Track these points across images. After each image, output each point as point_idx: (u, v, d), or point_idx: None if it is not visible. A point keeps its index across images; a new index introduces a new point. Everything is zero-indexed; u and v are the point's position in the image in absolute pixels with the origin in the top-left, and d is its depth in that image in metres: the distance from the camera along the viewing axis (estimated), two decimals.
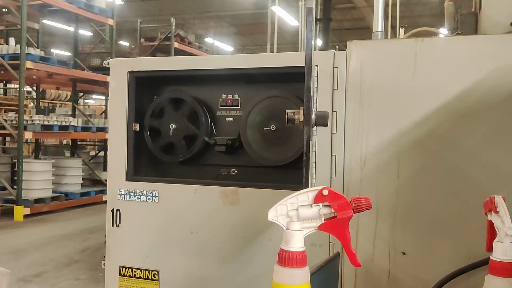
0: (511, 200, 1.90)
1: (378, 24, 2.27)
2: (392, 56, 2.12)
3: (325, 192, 1.17)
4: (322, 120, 1.60)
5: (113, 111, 2.56)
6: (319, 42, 10.35)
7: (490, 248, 1.44)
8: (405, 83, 2.09)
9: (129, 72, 2.50)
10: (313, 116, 1.56)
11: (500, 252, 1.37)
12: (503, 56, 1.97)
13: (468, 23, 2.56)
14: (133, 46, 15.30)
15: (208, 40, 17.65)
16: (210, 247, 2.33)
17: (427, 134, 2.05)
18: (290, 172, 2.32)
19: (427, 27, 2.49)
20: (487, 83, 1.97)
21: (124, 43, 17.17)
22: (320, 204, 1.19)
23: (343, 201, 1.17)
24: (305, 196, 1.19)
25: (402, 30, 2.53)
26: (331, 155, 2.17)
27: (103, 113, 12.97)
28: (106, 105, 12.51)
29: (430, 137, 2.05)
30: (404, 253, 2.06)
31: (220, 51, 18.58)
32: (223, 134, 2.47)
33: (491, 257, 1.40)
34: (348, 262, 2.12)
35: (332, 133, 2.17)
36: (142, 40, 14.19)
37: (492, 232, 1.45)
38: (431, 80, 2.06)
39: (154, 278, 2.41)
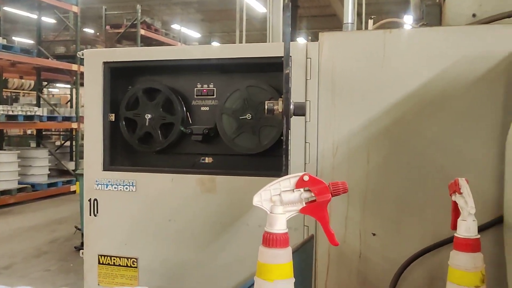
0: (474, 183, 2.04)
1: (349, 16, 2.36)
2: (362, 47, 2.21)
3: (306, 178, 1.26)
4: (300, 110, 1.68)
5: (88, 102, 2.57)
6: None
7: (454, 227, 1.56)
8: (374, 73, 2.18)
9: (104, 63, 2.51)
10: (292, 107, 1.63)
11: (464, 230, 1.49)
12: (466, 47, 2.08)
13: (433, 13, 2.67)
14: (98, 34, 15.00)
15: (175, 26, 17.45)
16: (188, 234, 2.39)
17: (395, 122, 2.16)
18: (265, 160, 2.40)
19: (395, 18, 2.59)
20: (451, 72, 2.09)
21: (89, 31, 16.80)
22: (301, 189, 1.27)
23: (322, 186, 1.25)
24: (287, 182, 1.27)
25: (370, 22, 2.63)
26: (305, 142, 2.26)
27: (69, 102, 12.73)
28: (71, 94, 12.26)
29: (398, 124, 2.16)
30: (374, 234, 2.17)
31: (187, 38, 18.41)
32: (199, 123, 2.52)
33: (455, 234, 1.52)
34: (322, 244, 2.25)
35: (306, 122, 2.26)
36: (108, 27, 13.93)
37: (456, 212, 1.57)
38: (398, 70, 2.16)
39: (133, 265, 2.46)
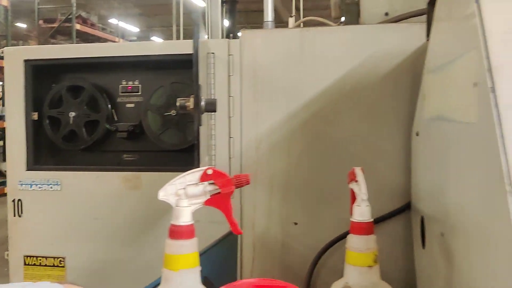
0: (385, 172, 2.20)
1: (269, 14, 2.44)
2: (282, 44, 2.30)
3: (210, 172, 1.32)
4: (211, 107, 1.74)
5: (9, 101, 2.52)
6: (226, 23, 10.42)
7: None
8: (293, 70, 2.28)
9: (25, 61, 2.47)
10: (203, 103, 1.69)
11: (358, 214, 1.61)
12: (376, 44, 2.21)
13: (351, 11, 2.80)
14: (31, 29, 14.42)
15: (113, 21, 17.06)
16: (114, 232, 2.40)
17: (313, 116, 2.27)
18: (191, 155, 2.43)
19: (315, 17, 2.69)
20: (363, 68, 2.22)
21: (22, 25, 16.11)
22: (206, 182, 1.33)
23: (225, 179, 1.32)
24: (192, 176, 1.33)
25: (291, 20, 2.72)
26: (229, 137, 2.32)
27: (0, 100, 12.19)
28: (3, 92, 11.75)
29: (316, 118, 2.26)
30: (295, 223, 2.27)
31: (126, 33, 18.04)
32: (124, 120, 2.53)
33: (351, 219, 1.64)
34: (247, 235, 2.32)
35: (229, 117, 2.32)
36: (41, 22, 13.45)
37: (353, 199, 1.69)
38: (316, 67, 2.26)
39: (60, 265, 2.44)
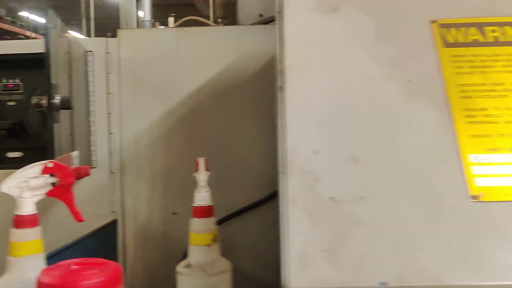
0: (256, 161, 2.38)
1: (147, 14, 2.54)
2: (158, 43, 2.41)
3: (50, 165, 1.42)
4: (66, 104, 1.84)
5: None
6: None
7: None
8: (170, 68, 2.40)
9: None
10: (58, 101, 1.78)
11: (199, 200, 1.78)
12: (246, 44, 2.38)
13: (233, 12, 2.96)
14: None
15: (23, 14, 16.26)
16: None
17: (190, 111, 2.41)
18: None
19: (196, 17, 2.82)
20: (235, 67, 2.38)
21: None
22: (47, 175, 1.44)
23: (66, 171, 1.43)
24: (34, 169, 1.43)
25: (171, 19, 2.83)
26: (109, 133, 2.41)
27: None
28: None
29: (193, 114, 2.40)
30: (174, 213, 2.40)
31: (39, 26, 17.25)
32: (6, 118, 2.54)
33: (193, 204, 1.81)
34: (129, 226, 2.43)
35: (108, 113, 2.41)
36: None
37: None
38: (191, 65, 2.40)
39: None
